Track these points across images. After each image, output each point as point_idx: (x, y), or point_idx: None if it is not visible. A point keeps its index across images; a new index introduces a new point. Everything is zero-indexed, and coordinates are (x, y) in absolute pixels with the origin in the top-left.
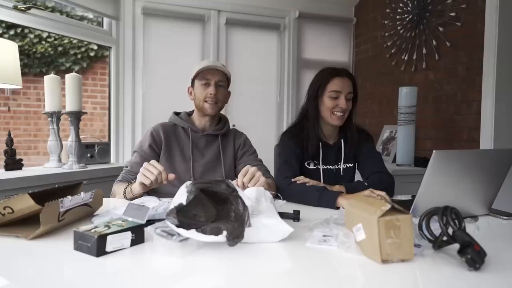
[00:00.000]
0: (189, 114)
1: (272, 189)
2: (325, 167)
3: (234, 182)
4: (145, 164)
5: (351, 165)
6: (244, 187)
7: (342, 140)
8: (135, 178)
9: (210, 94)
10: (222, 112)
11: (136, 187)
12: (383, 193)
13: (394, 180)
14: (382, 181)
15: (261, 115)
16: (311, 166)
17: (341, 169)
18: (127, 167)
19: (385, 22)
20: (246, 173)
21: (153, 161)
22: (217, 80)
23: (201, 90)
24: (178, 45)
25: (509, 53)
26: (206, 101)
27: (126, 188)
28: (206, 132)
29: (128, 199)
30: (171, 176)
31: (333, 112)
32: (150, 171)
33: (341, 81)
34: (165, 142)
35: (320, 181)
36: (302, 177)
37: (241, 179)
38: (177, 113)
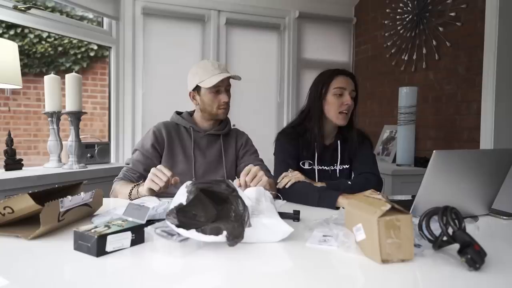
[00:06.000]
0: (191, 114)
1: (273, 189)
2: (320, 167)
3: (236, 181)
4: (153, 170)
5: (347, 166)
6: (246, 186)
7: (339, 141)
8: (138, 176)
9: (224, 102)
10: None
11: (143, 191)
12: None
13: (382, 183)
14: (369, 181)
15: (261, 115)
16: (306, 166)
17: (337, 170)
18: (128, 164)
19: (385, 22)
20: (249, 172)
21: (160, 167)
22: (226, 86)
23: (211, 97)
24: (178, 45)
25: (509, 53)
26: (220, 108)
27: (133, 189)
28: (208, 132)
29: (131, 200)
30: (176, 179)
31: (340, 111)
32: (159, 177)
33: (345, 79)
34: (168, 142)
35: (315, 182)
36: (296, 172)
37: (243, 177)
38: (179, 113)
